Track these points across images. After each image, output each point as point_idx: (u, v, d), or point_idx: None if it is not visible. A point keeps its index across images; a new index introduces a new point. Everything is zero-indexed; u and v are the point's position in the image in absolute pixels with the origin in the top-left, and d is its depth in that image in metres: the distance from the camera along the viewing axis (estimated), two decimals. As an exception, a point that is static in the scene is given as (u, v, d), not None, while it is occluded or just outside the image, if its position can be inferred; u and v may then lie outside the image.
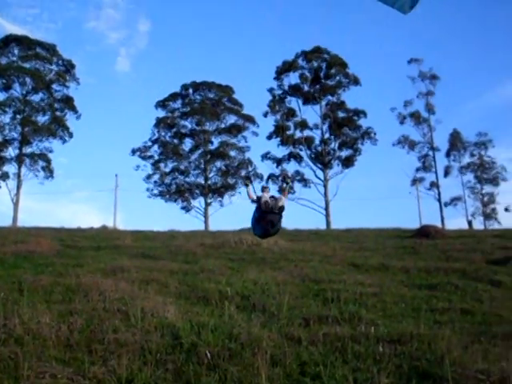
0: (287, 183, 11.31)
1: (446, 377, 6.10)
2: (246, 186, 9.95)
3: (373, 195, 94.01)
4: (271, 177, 56.83)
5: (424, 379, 6.35)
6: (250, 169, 58.19)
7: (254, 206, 11.87)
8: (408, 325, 8.70)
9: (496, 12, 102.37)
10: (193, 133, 58.89)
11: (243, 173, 57.95)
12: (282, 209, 11.40)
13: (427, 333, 8.01)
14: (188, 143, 59.25)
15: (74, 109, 52.83)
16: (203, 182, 57.56)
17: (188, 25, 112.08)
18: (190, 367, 6.34)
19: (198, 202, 57.71)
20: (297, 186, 55.98)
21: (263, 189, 12.04)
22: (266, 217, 11.11)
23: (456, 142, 67.98)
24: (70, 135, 52.36)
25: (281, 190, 11.72)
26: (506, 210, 62.06)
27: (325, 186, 55.56)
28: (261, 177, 57.46)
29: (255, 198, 11.98)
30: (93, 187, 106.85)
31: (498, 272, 15.97)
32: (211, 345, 6.84)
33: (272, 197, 11.21)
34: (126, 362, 6.31)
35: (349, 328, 8.27)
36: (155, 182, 57.65)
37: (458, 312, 10.39)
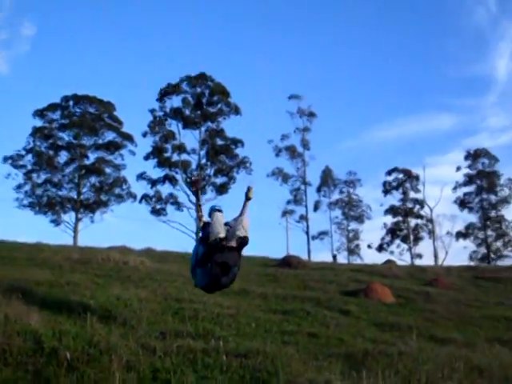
0: (249, 198, 9.11)
1: (280, 384, 6.98)
2: (196, 192, 8.08)
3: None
4: (145, 197, 57.13)
5: (262, 387, 7.21)
6: (125, 187, 58.11)
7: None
8: (257, 343, 9.48)
9: (377, 57, 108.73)
10: (69, 146, 58.12)
11: (117, 191, 57.78)
12: (245, 241, 8.87)
13: (273, 350, 8.83)
14: (63, 156, 58.45)
15: None
16: (76, 196, 56.71)
17: (75, 36, 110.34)
18: (50, 369, 6.80)
19: (69, 217, 56.74)
20: (170, 208, 56.64)
21: (212, 213, 8.97)
22: (219, 257, 8.37)
23: (327, 178, 71.74)
24: None
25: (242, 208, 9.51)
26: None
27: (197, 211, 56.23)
28: (134, 196, 57.67)
29: (205, 221, 9.06)
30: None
31: (348, 302, 17.46)
32: (71, 350, 7.31)
33: (227, 224, 8.97)
34: (-14, 362, 6.68)
35: (202, 342, 8.94)
36: (26, 192, 56.12)
37: (305, 335, 11.37)
